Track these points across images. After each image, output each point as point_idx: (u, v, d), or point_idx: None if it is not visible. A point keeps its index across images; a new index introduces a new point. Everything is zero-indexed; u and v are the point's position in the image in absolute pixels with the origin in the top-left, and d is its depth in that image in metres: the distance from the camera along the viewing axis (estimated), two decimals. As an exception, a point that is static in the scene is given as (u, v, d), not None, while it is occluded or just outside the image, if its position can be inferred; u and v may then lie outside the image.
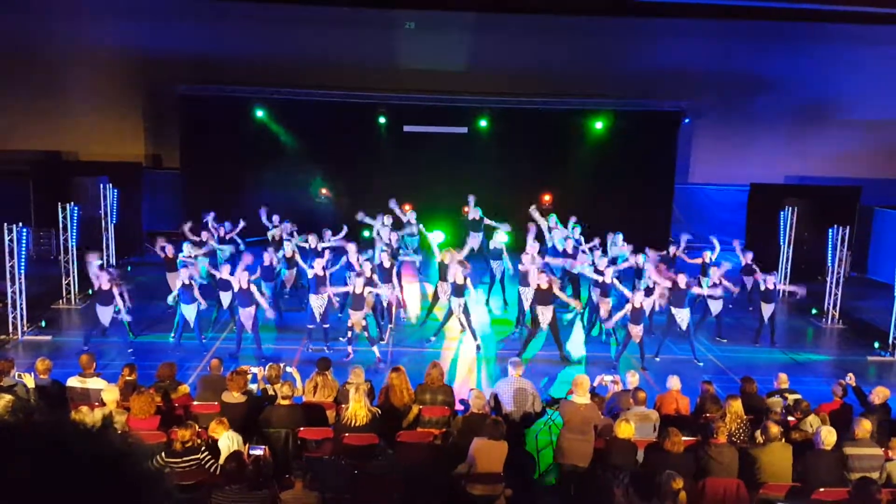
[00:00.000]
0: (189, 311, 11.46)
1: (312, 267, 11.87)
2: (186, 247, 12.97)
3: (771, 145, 20.98)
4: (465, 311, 11.92)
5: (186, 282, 11.38)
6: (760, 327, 12.95)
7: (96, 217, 16.11)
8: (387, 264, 12.61)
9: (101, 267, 11.70)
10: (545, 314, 11.26)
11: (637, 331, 11.20)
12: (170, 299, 12.15)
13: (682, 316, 11.66)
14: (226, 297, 11.99)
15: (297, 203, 18.97)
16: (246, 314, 11.27)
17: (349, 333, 11.44)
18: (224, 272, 11.91)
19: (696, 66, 20.31)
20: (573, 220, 15.25)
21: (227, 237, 14.84)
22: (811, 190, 18.55)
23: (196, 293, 11.41)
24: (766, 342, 12.89)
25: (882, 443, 7.25)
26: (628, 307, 11.19)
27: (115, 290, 11.15)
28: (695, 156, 21.42)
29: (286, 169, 19.13)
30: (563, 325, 12.52)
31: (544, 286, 11.23)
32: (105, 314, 11.20)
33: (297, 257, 13.58)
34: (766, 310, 12.70)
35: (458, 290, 11.80)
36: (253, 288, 11.37)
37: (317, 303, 11.67)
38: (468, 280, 11.88)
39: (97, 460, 1.19)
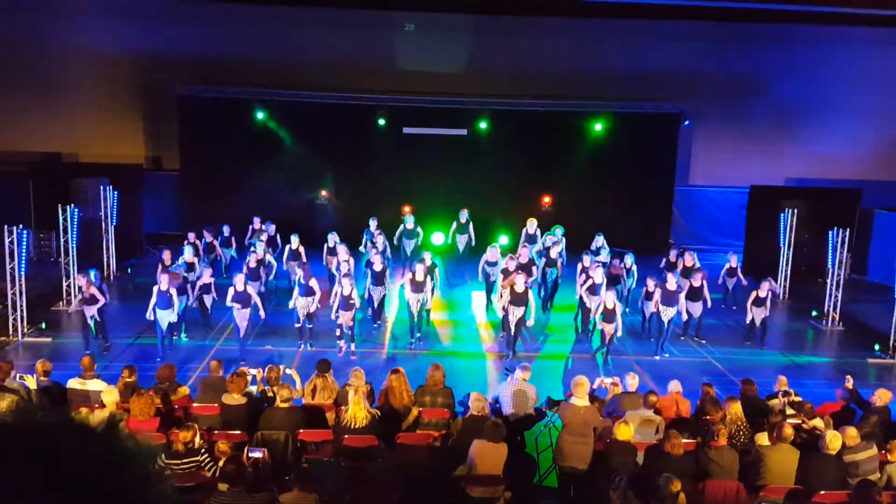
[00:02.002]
0: (162, 317, 11.32)
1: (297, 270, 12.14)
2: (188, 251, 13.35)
3: (771, 147, 20.97)
4: (422, 309, 12.30)
5: (164, 288, 11.27)
6: (752, 329, 12.94)
7: (96, 219, 16.12)
8: (378, 267, 12.76)
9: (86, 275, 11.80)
10: (515, 313, 11.65)
11: (609, 329, 11.51)
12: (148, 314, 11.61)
13: (668, 314, 12.04)
14: (207, 300, 12.51)
15: (296, 204, 18.99)
16: (242, 315, 11.31)
17: (338, 332, 11.70)
18: (205, 276, 12.41)
19: (695, 68, 20.32)
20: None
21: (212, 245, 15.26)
22: (811, 192, 18.52)
23: (175, 298, 11.45)
24: (757, 343, 12.93)
25: (881, 445, 7.24)
26: (601, 307, 11.58)
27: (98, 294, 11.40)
28: (695, 158, 21.42)
29: (286, 170, 19.15)
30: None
31: (519, 289, 11.58)
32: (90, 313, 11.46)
33: (270, 257, 14.00)
34: (758, 313, 12.72)
35: (417, 287, 12.13)
36: (250, 290, 11.47)
37: (301, 303, 11.79)
38: (427, 279, 12.20)
39: (101, 461, 1.19)
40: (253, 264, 12.99)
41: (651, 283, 12.70)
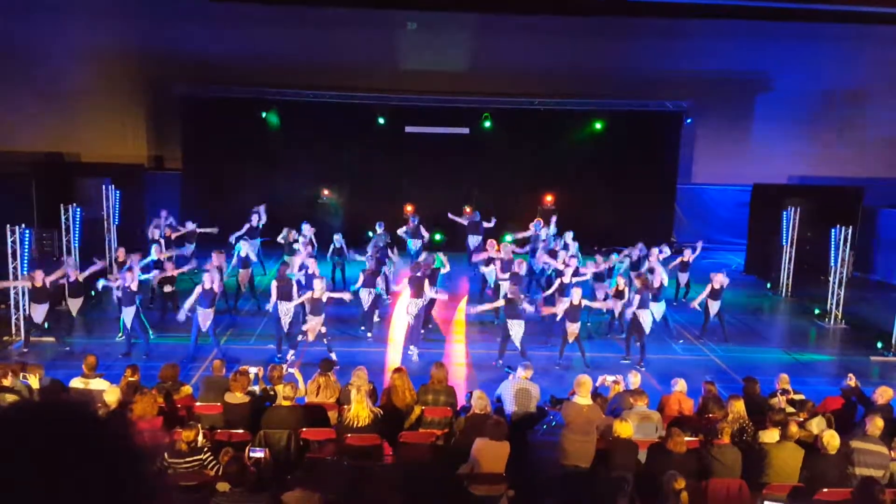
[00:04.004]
0: (127, 314, 11.34)
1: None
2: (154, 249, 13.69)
3: (773, 145, 20.95)
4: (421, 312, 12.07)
5: (127, 285, 11.30)
6: (707, 323, 12.88)
7: (99, 218, 16.13)
8: (369, 268, 12.71)
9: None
10: (515, 328, 11.09)
11: (573, 329, 11.13)
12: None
13: (645, 318, 11.59)
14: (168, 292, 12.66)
15: (298, 203, 18.99)
16: (204, 314, 11.15)
17: (300, 337, 11.33)
18: (168, 269, 12.70)
19: (697, 65, 20.30)
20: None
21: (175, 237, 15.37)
22: (814, 190, 18.50)
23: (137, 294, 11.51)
24: (721, 338, 12.84)
25: (886, 442, 7.22)
26: (566, 301, 11.14)
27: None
28: (697, 156, 21.41)
29: (288, 169, 19.13)
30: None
31: (510, 296, 11.20)
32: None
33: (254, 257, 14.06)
34: (713, 306, 12.70)
35: (417, 292, 11.88)
36: (217, 288, 11.36)
37: (284, 308, 11.35)
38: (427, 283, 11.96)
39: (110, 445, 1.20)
40: (217, 264, 12.75)
41: (622, 282, 12.39)
